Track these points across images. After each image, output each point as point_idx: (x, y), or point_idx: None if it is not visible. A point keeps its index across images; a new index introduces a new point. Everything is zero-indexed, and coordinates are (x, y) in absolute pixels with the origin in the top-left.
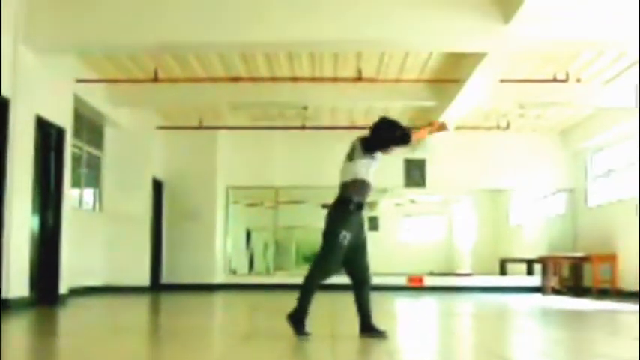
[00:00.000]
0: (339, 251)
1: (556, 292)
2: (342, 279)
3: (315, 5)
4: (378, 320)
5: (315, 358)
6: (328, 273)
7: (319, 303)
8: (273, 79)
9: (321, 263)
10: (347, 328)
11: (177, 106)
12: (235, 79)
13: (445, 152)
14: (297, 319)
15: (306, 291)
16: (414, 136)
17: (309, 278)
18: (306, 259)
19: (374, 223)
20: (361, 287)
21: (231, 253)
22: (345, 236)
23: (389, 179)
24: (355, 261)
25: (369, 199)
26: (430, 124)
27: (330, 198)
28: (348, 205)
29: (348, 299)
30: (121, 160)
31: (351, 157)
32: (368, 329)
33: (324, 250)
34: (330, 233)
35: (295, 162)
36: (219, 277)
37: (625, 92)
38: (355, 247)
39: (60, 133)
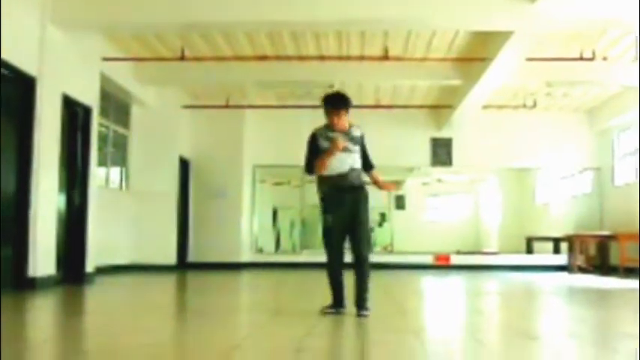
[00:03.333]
0: None
1: (582, 270)
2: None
3: None
4: (406, 298)
5: (343, 335)
6: None
7: (347, 282)
8: (300, 57)
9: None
10: (375, 305)
11: (204, 85)
12: (262, 58)
13: (472, 131)
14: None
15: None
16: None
17: (368, 261)
18: None
19: (401, 202)
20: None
21: (257, 231)
22: None
23: (415, 158)
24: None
25: (397, 177)
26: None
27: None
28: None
29: (378, 277)
30: (148, 139)
31: (355, 147)
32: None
33: (367, 231)
34: (368, 215)
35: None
36: (246, 256)
37: None
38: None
39: (86, 111)
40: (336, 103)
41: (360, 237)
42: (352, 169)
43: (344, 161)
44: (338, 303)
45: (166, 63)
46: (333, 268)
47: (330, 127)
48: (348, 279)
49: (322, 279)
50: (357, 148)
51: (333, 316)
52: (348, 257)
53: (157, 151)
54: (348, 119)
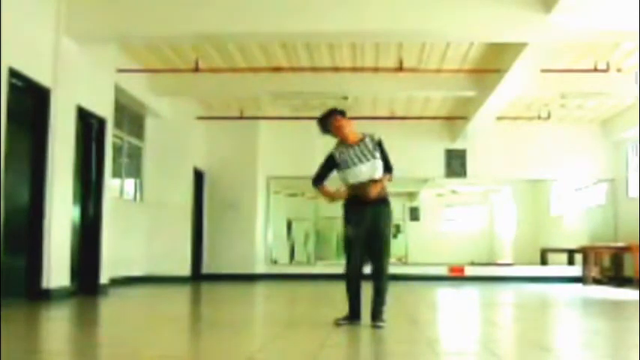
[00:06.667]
0: None
1: (597, 282)
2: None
3: None
4: (419, 310)
5: (357, 346)
6: None
7: (365, 293)
8: (314, 69)
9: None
10: (389, 316)
11: (218, 96)
12: (276, 69)
13: (486, 142)
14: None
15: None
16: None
17: (386, 273)
18: None
19: (415, 214)
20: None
21: (272, 243)
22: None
23: (430, 169)
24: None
25: (411, 188)
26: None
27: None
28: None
29: (392, 289)
30: (162, 150)
31: (374, 155)
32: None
33: (387, 245)
34: (389, 228)
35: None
36: (260, 268)
37: None
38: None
39: (101, 123)
40: (325, 121)
41: (379, 250)
42: (373, 180)
43: (360, 173)
44: (353, 315)
45: (180, 74)
46: (350, 279)
47: (342, 141)
48: (367, 291)
49: (337, 290)
50: (373, 158)
51: (347, 328)
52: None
53: (171, 162)
54: (353, 128)
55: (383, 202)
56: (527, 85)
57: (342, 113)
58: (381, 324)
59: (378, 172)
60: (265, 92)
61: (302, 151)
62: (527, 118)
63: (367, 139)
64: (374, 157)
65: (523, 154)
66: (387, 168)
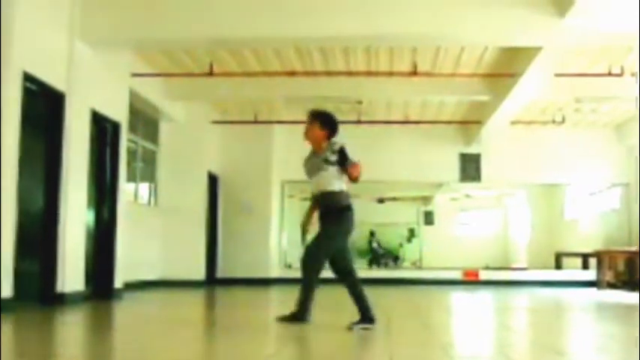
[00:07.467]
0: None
1: (611, 286)
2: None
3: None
4: (433, 314)
5: (371, 351)
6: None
7: (375, 296)
8: (329, 73)
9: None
10: (403, 320)
11: (232, 101)
12: (291, 74)
13: (500, 146)
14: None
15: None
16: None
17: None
18: (360, 253)
19: (429, 218)
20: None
21: (286, 247)
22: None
23: (444, 174)
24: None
25: (426, 193)
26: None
27: (385, 192)
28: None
29: (398, 293)
30: (177, 154)
31: (320, 168)
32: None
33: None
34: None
35: (350, 156)
36: (275, 272)
37: None
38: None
39: (115, 127)
40: (310, 117)
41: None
42: (324, 193)
43: (316, 183)
44: (364, 318)
45: (195, 79)
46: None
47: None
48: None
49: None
50: (317, 173)
51: (361, 332)
52: (371, 274)
53: (186, 166)
54: (318, 139)
55: (334, 212)
56: (542, 89)
57: (321, 119)
58: (286, 322)
59: (332, 187)
60: (280, 96)
61: None
62: (542, 122)
63: (327, 150)
64: (318, 172)
65: (537, 159)
66: (343, 165)
